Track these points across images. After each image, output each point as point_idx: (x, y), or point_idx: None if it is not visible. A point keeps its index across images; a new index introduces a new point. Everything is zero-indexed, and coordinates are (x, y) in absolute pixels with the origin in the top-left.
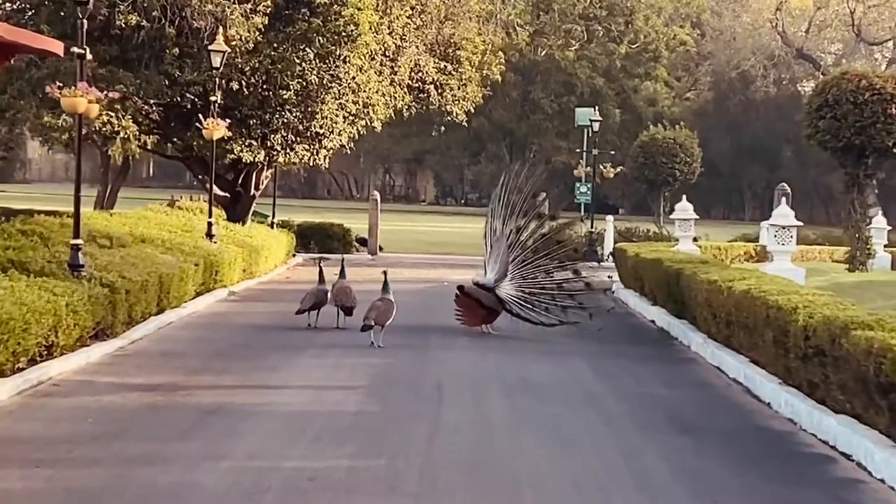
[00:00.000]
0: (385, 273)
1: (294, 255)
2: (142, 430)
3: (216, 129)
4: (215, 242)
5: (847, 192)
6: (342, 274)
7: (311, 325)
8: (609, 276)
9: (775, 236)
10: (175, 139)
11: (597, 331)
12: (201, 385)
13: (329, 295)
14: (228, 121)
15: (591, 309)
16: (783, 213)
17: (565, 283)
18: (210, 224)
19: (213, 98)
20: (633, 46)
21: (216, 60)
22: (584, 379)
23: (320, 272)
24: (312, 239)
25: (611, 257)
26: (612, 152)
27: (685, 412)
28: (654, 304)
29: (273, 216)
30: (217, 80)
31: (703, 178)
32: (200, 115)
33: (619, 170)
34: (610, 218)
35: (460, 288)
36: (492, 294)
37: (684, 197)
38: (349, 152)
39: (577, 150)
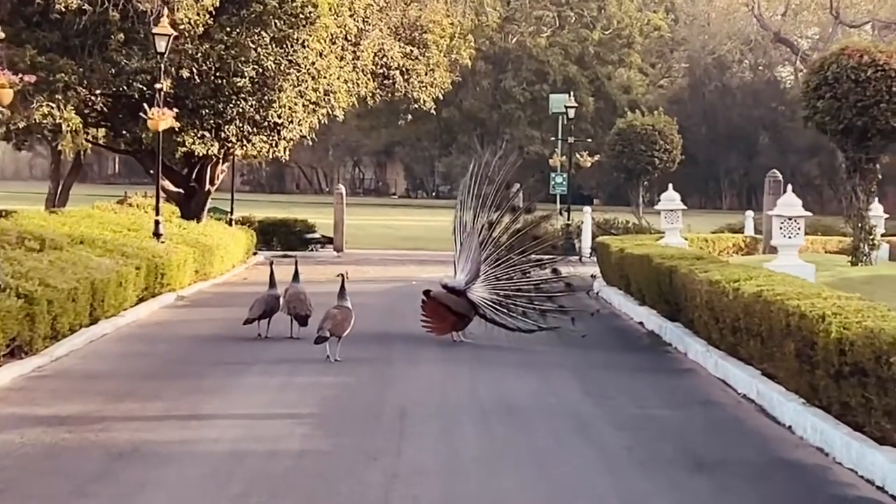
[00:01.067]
0: (342, 276)
1: (255, 254)
2: (29, 486)
3: (162, 119)
4: (163, 242)
5: (848, 178)
6: (295, 277)
7: (261, 335)
8: (592, 276)
9: (780, 228)
10: (125, 132)
11: (581, 337)
12: (121, 416)
13: (281, 301)
14: (177, 111)
15: (574, 312)
16: (789, 202)
17: (544, 284)
18: (157, 222)
19: (158, 86)
20: (607, 32)
21: (161, 45)
22: (572, 399)
23: (271, 275)
24: (275, 236)
25: (592, 252)
26: (589, 140)
27: (695, 441)
28: (641, 304)
29: (231, 212)
30: (163, 66)
31: (680, 166)
32: (146, 105)
33: (595, 158)
34: (588, 209)
35: (426, 293)
36: (462, 298)
37: (670, 186)
38: (311, 143)
39: (552, 140)
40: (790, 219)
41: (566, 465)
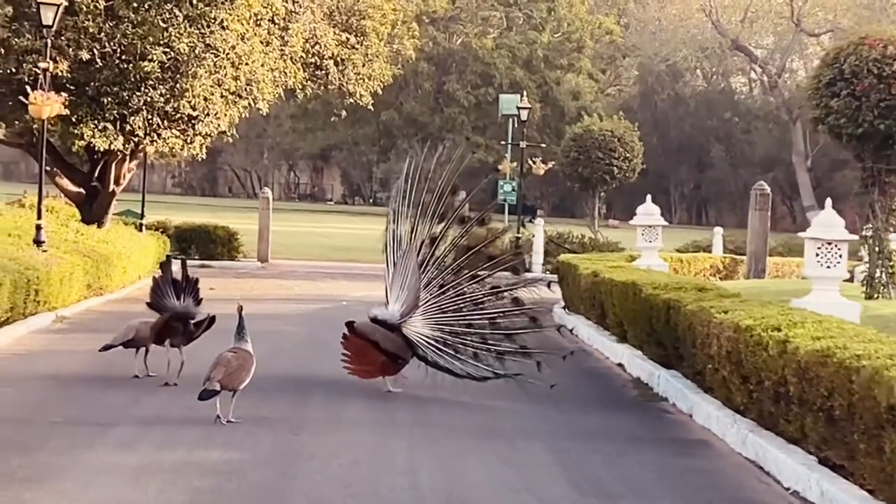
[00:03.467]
0: (240, 309)
1: None
2: None
3: (46, 104)
4: (45, 251)
5: (864, 192)
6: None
7: (139, 374)
8: (566, 308)
9: (818, 255)
10: (16, 121)
11: (549, 387)
12: None
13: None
14: (75, 98)
15: (540, 355)
16: (829, 222)
17: (501, 318)
18: (39, 227)
19: (43, 65)
20: (556, 35)
21: (48, 16)
22: (556, 498)
23: (160, 283)
24: (193, 243)
25: (546, 272)
26: (543, 145)
27: None
28: (621, 342)
29: (142, 216)
30: (49, 41)
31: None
32: (28, 89)
33: (550, 165)
34: (540, 222)
35: (350, 326)
36: (397, 334)
37: (648, 198)
38: (245, 146)
39: (496, 148)
40: (830, 244)
41: None
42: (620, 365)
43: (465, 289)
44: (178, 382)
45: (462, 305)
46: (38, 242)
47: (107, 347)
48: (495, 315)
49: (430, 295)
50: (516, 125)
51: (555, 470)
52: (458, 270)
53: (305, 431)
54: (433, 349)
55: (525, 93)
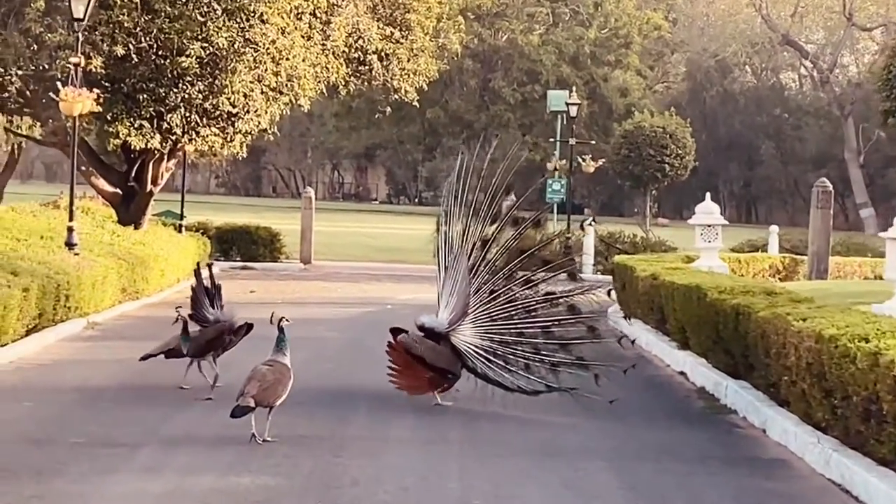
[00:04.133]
0: (281, 321)
1: (210, 265)
2: None
3: (78, 101)
4: (77, 254)
5: None
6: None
7: (184, 386)
8: (626, 316)
9: None
10: (50, 119)
11: (609, 402)
12: None
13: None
14: (110, 95)
15: (598, 367)
16: None
17: (556, 327)
18: (70, 230)
19: (74, 60)
20: (603, 31)
21: (79, 9)
22: None
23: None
24: (234, 245)
25: (597, 273)
26: (593, 142)
27: None
28: (682, 348)
29: (182, 217)
30: (80, 35)
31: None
32: (59, 85)
33: (600, 163)
34: (592, 222)
35: (395, 333)
36: (444, 344)
37: (707, 196)
38: (289, 145)
39: (543, 146)
40: None
41: None
42: (683, 373)
43: (516, 295)
44: (212, 397)
45: (513, 313)
46: (69, 245)
47: (146, 357)
48: (549, 323)
49: (480, 301)
50: (565, 122)
51: (622, 495)
52: (509, 275)
53: (348, 452)
54: (482, 360)
55: (574, 89)
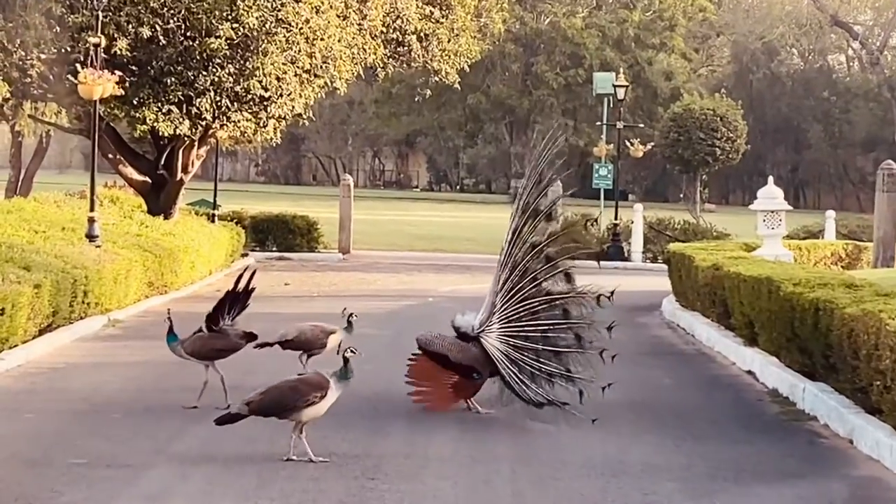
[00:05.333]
0: (347, 352)
1: (245, 256)
2: None
3: (98, 83)
4: (98, 246)
5: None
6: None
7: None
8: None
9: None
10: (75, 105)
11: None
12: None
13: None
14: (136, 79)
15: (583, 381)
16: None
17: (551, 333)
18: (91, 220)
19: (94, 40)
20: (648, 14)
21: None
22: None
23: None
24: (270, 234)
25: (647, 261)
26: (641, 125)
27: None
28: (749, 345)
29: (215, 206)
30: (100, 13)
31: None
32: (78, 67)
33: (649, 147)
34: (638, 207)
35: (418, 342)
36: (474, 344)
37: (770, 180)
38: (308, 123)
39: (587, 131)
40: None
41: None
42: (751, 373)
43: (528, 293)
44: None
45: (523, 314)
46: (90, 237)
47: (261, 346)
48: (547, 327)
49: (503, 300)
50: (611, 105)
51: None
52: (524, 272)
53: (383, 473)
54: (504, 365)
55: (622, 70)
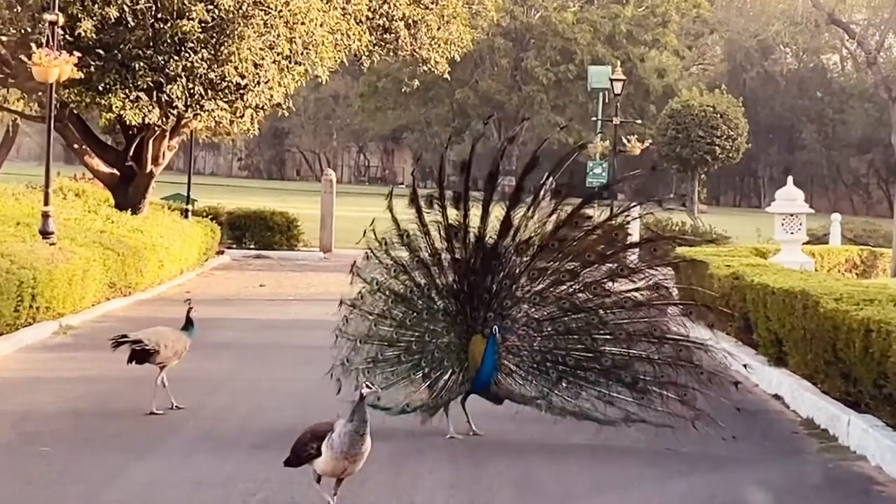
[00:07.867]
0: (364, 392)
1: (220, 254)
2: None
3: (53, 65)
4: (52, 243)
5: None
6: None
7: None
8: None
9: None
10: (37, 91)
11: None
12: None
13: None
14: (102, 63)
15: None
16: None
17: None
18: (45, 216)
19: (49, 17)
20: (640, 9)
21: None
22: None
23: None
24: (247, 231)
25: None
26: (639, 121)
27: None
28: (776, 365)
29: (188, 201)
30: None
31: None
32: (33, 47)
33: (646, 144)
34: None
35: None
36: None
37: (790, 180)
38: (288, 113)
39: (577, 128)
40: None
41: None
42: (778, 397)
43: None
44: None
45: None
46: (44, 234)
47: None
48: None
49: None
50: (606, 100)
51: None
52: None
53: None
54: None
55: (618, 64)
